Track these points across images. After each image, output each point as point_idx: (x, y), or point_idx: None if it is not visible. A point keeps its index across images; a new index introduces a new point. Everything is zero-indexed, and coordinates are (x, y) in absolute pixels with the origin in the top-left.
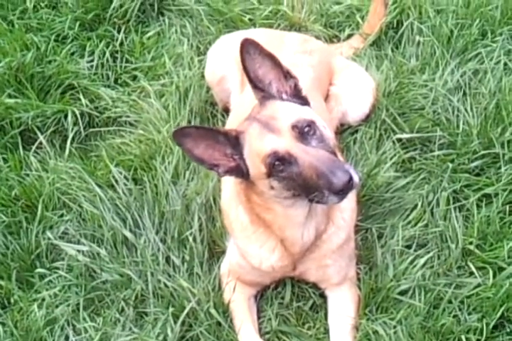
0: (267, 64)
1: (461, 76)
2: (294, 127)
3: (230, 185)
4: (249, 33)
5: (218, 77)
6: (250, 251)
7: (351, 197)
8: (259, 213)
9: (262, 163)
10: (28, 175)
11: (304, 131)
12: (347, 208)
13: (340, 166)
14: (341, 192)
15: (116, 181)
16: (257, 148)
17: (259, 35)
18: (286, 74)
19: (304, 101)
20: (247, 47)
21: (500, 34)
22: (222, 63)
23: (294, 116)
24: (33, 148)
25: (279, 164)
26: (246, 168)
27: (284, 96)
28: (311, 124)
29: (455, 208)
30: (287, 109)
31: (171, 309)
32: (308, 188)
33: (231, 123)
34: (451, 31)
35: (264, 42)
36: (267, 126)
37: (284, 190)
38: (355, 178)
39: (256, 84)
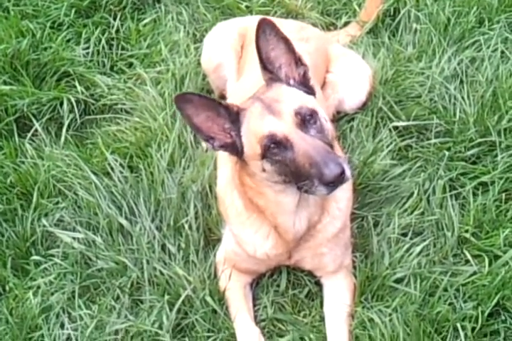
0: (280, 47)
1: (458, 64)
2: (296, 113)
3: (225, 171)
4: (245, 20)
5: (214, 64)
6: (245, 238)
7: (347, 187)
8: (252, 197)
9: (258, 143)
10: (23, 162)
11: (305, 119)
12: (343, 198)
13: (334, 159)
14: (331, 184)
15: (111, 169)
16: (255, 127)
17: (256, 22)
18: (298, 61)
19: (310, 90)
20: (264, 27)
21: (498, 22)
22: (218, 50)
23: (297, 103)
24: (29, 135)
25: (274, 147)
26: (241, 146)
27: (292, 82)
28: (313, 114)
29: (451, 196)
30: (292, 94)
31: (166, 297)
32: (299, 176)
33: None
34: (448, 19)
35: None
36: (269, 107)
37: (275, 174)
38: (347, 173)
39: (266, 66)
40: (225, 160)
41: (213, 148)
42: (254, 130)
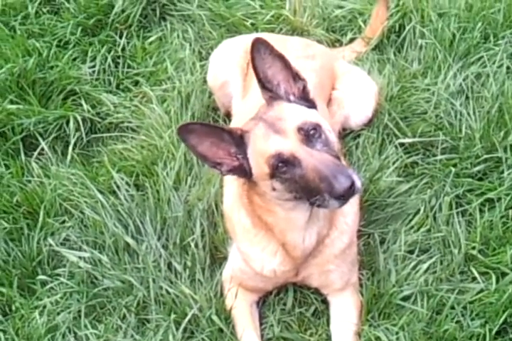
0: (276, 65)
1: (464, 80)
2: (299, 129)
3: (232, 188)
4: (251, 37)
5: (220, 81)
6: (252, 255)
7: (354, 202)
8: (261, 215)
9: (266, 163)
10: (29, 181)
11: (310, 134)
12: (350, 212)
13: (343, 171)
14: (343, 197)
15: (118, 187)
16: (261, 148)
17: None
18: (295, 76)
19: (311, 104)
20: (258, 46)
21: (503, 37)
22: (224, 68)
23: (300, 118)
24: (35, 154)
25: (282, 165)
26: (249, 168)
27: (292, 97)
28: (316, 127)
29: (458, 213)
30: (294, 110)
31: (172, 316)
32: (310, 191)
33: None
34: (454, 35)
35: None
36: (273, 126)
37: (285, 192)
38: (358, 184)
39: (264, 84)
40: (231, 177)
41: (221, 173)
42: (260, 151)
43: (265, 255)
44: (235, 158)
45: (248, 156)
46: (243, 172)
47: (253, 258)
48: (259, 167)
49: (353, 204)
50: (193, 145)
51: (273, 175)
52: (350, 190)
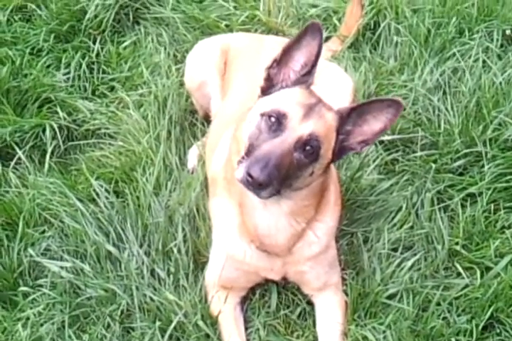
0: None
1: (441, 75)
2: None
3: (223, 153)
4: (227, 37)
5: (198, 82)
6: (224, 234)
7: (332, 217)
8: (230, 170)
9: (270, 109)
10: (7, 191)
11: (307, 143)
12: (321, 227)
13: (271, 170)
14: (248, 174)
15: (97, 194)
16: (284, 100)
17: (240, 38)
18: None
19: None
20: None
21: (478, 32)
22: (201, 68)
23: (324, 131)
24: (12, 163)
25: (275, 118)
26: (269, 92)
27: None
28: (316, 149)
29: (440, 209)
30: (332, 118)
31: (157, 323)
32: (250, 149)
33: (214, 130)
34: (429, 30)
35: (244, 45)
36: (309, 105)
37: (248, 132)
38: (260, 179)
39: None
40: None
41: (267, 72)
42: (281, 100)
43: (234, 234)
44: (281, 83)
45: (280, 88)
46: (267, 89)
47: (226, 239)
48: (271, 100)
49: (330, 220)
50: (294, 42)
51: (262, 115)
52: (251, 179)
